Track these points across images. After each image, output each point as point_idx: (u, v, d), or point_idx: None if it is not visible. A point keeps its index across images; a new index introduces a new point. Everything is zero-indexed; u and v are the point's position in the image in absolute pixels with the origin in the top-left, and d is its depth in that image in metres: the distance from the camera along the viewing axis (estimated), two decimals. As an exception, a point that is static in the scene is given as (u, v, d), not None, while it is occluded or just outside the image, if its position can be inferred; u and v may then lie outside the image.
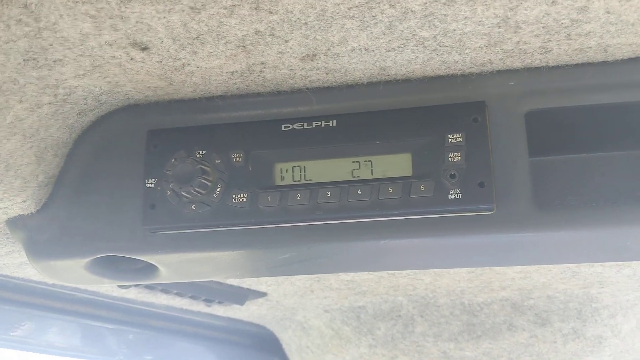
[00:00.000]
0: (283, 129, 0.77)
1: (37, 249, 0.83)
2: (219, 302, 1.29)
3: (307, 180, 0.75)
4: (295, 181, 0.76)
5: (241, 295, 1.25)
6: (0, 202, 0.76)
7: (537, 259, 0.83)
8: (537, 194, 0.74)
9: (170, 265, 0.84)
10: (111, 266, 0.87)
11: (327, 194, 0.74)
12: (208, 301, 1.26)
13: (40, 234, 0.83)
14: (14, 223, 0.84)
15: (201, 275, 0.89)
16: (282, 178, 0.76)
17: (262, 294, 1.27)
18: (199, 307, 1.34)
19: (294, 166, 0.76)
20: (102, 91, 0.74)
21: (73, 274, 0.87)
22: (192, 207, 0.76)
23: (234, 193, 0.76)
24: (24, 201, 0.79)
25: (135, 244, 0.80)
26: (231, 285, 1.21)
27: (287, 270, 0.86)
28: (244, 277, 1.11)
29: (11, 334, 1.26)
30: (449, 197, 0.71)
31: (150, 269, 0.87)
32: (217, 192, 0.76)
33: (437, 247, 0.77)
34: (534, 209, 0.72)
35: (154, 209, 0.77)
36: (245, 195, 0.76)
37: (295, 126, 0.77)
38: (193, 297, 1.23)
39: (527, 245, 0.76)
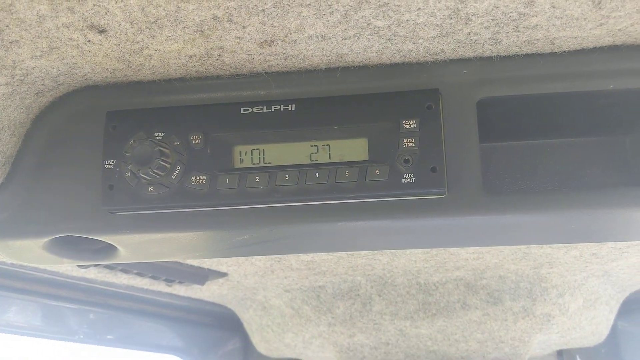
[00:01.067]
0: (242, 112, 0.78)
1: None
2: (180, 282, 1.30)
3: (265, 163, 0.77)
4: (254, 164, 0.77)
5: (202, 276, 1.26)
6: (-45, 181, 0.76)
7: (487, 241, 0.86)
8: (486, 179, 0.77)
9: (129, 245, 0.85)
10: (70, 246, 0.88)
11: (286, 176, 0.76)
12: (168, 281, 1.27)
13: None
14: None
15: (160, 255, 0.90)
16: (241, 161, 0.77)
17: (223, 274, 1.29)
18: (160, 286, 1.35)
19: (253, 149, 0.77)
20: (59, 72, 0.73)
21: (31, 253, 0.87)
22: (151, 188, 0.77)
23: (193, 175, 0.77)
24: None
25: (94, 224, 0.80)
26: (192, 266, 1.22)
27: (246, 251, 0.87)
28: (203, 258, 1.12)
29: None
30: (403, 181, 0.74)
31: (110, 249, 0.87)
32: (175, 174, 0.77)
33: (392, 229, 0.80)
34: (483, 194, 0.75)
35: (113, 189, 0.78)
36: (204, 177, 0.77)
37: (254, 109, 0.78)
38: (153, 277, 1.24)
39: (477, 228, 0.80)
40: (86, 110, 0.81)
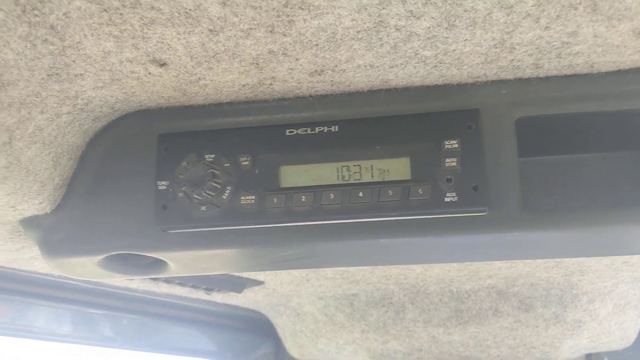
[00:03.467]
0: (287, 133, 0.81)
1: (52, 247, 0.87)
2: (218, 290, 1.34)
3: (310, 182, 0.80)
4: (299, 183, 0.80)
5: (240, 284, 1.30)
6: (19, 204, 0.80)
7: (524, 255, 0.89)
8: (526, 196, 0.79)
9: (180, 261, 0.88)
10: (122, 262, 0.91)
11: (330, 196, 0.78)
12: (208, 290, 1.31)
13: (55, 233, 0.86)
14: (29, 223, 0.87)
15: (207, 270, 0.94)
16: (287, 180, 0.80)
17: (260, 283, 1.32)
18: (198, 294, 1.39)
19: (298, 169, 0.80)
20: (117, 100, 0.77)
21: (86, 270, 0.91)
22: (203, 208, 0.80)
23: (242, 195, 0.80)
24: (40, 203, 0.82)
25: (147, 241, 0.84)
26: (231, 275, 1.25)
27: (288, 265, 0.91)
28: (247, 271, 1.15)
29: (17, 323, 1.30)
30: (445, 200, 0.76)
31: (160, 264, 0.91)
32: (226, 194, 0.80)
33: (433, 246, 0.82)
34: (523, 210, 0.77)
35: (166, 209, 0.81)
36: (253, 197, 0.80)
37: (299, 131, 0.81)
38: (194, 286, 1.27)
39: (516, 244, 0.82)
40: (138, 133, 0.85)
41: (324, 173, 0.80)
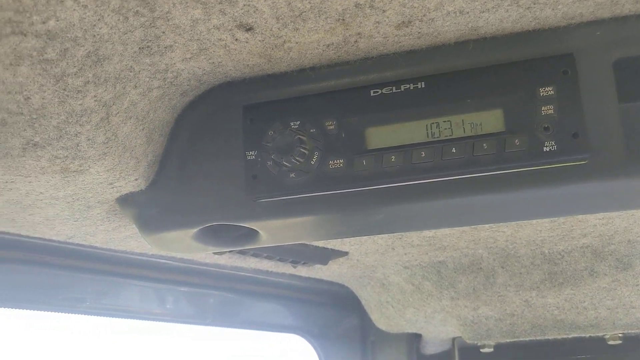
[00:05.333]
0: (372, 94, 0.80)
1: (148, 223, 0.90)
2: (304, 263, 1.35)
3: (399, 142, 0.78)
4: (388, 144, 0.78)
5: (324, 256, 1.30)
6: (116, 181, 0.82)
7: (629, 205, 0.84)
8: (629, 141, 0.75)
9: (271, 230, 0.89)
10: (215, 234, 0.93)
11: (421, 154, 0.77)
12: (294, 263, 1.32)
13: (150, 208, 0.89)
14: (125, 200, 0.90)
15: (298, 238, 0.94)
16: (376, 142, 0.79)
17: (344, 253, 1.32)
18: (284, 268, 1.41)
19: (386, 129, 0.79)
20: (204, 72, 0.78)
21: (181, 244, 0.93)
22: (292, 175, 0.80)
23: (331, 159, 0.80)
24: (136, 179, 0.85)
25: (239, 212, 0.85)
26: (316, 247, 1.26)
27: (379, 229, 0.90)
28: (337, 238, 1.15)
29: (112, 302, 1.36)
30: (544, 150, 0.73)
31: (252, 235, 0.92)
32: (314, 160, 0.80)
33: (532, 199, 0.79)
34: (626, 156, 0.73)
35: (256, 179, 0.82)
36: (342, 161, 0.79)
37: (384, 91, 0.79)
38: (280, 260, 1.29)
39: (619, 193, 0.78)
40: (223, 106, 0.86)
41: (413, 132, 0.78)
